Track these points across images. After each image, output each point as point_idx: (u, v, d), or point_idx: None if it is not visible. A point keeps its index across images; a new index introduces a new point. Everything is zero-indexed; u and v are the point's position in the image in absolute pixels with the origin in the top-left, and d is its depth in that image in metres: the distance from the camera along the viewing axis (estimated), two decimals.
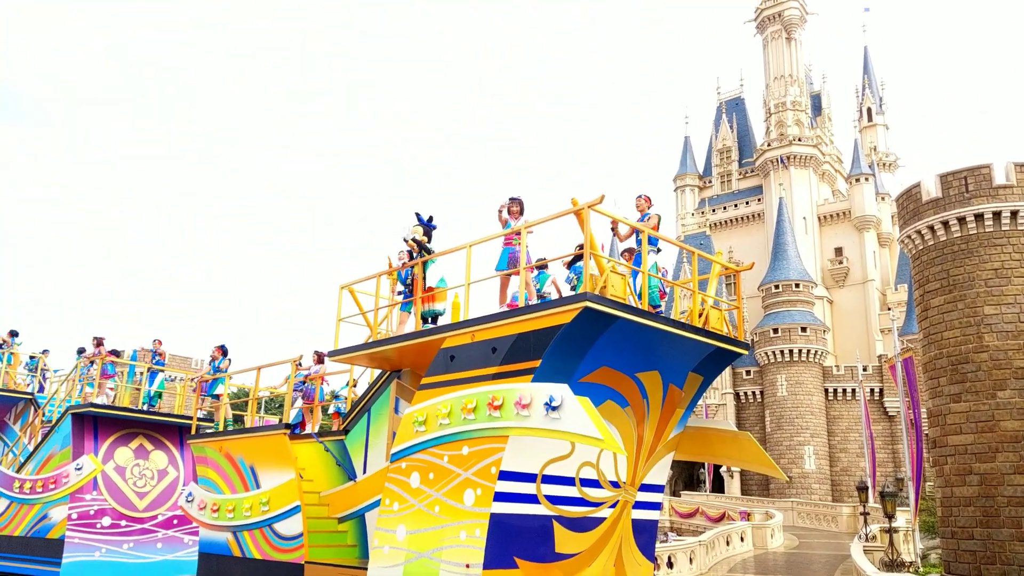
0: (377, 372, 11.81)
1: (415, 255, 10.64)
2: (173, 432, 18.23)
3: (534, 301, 9.76)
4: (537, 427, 8.02)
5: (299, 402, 13.00)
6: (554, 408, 7.82)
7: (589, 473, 9.10)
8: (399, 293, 10.90)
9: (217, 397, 14.13)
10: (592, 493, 9.16)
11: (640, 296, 9.09)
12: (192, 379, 16.74)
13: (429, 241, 10.80)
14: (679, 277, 61.50)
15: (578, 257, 9.84)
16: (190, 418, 17.17)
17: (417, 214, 10.82)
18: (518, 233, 9.69)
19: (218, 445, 12.94)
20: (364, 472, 10.83)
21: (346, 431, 11.27)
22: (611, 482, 9.33)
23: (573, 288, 10.07)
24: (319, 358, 13.34)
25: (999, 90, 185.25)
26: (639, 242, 9.79)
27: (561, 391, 7.83)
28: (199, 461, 13.59)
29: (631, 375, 9.15)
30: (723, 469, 58.17)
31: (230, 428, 13.90)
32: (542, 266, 10.63)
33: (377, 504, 10.16)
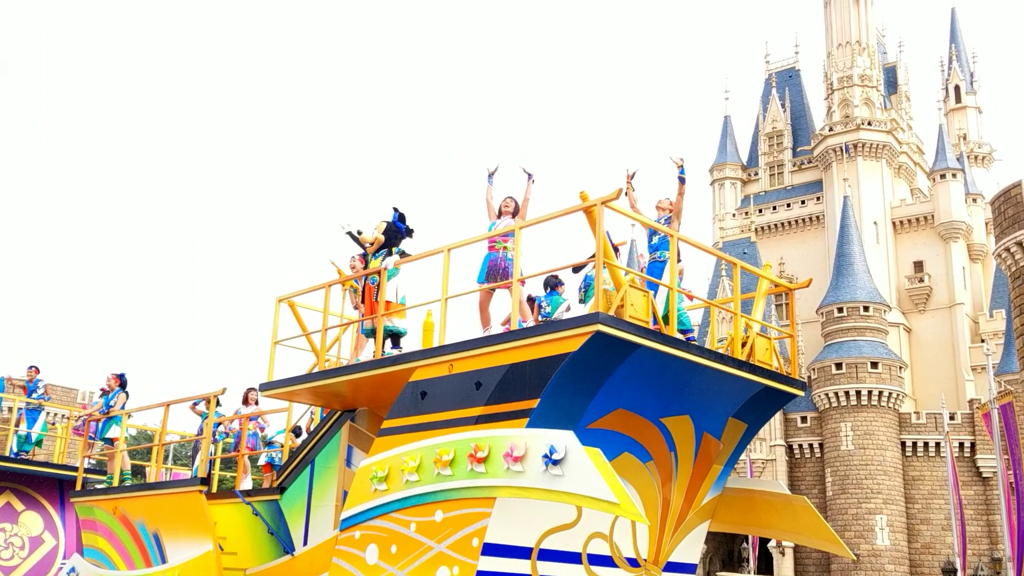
0: (324, 412, 11.73)
1: (368, 256, 10.61)
2: (51, 487, 18.01)
3: (529, 324, 9.70)
4: (533, 486, 7.96)
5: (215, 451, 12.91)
6: (555, 462, 7.76)
7: (600, 548, 9.05)
8: (355, 308, 10.85)
9: (111, 442, 13.99)
10: (603, 574, 9.10)
11: (667, 319, 9.05)
12: (78, 418, 16.57)
13: (393, 245, 10.75)
14: (716, 295, 61.72)
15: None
16: (74, 469, 16.97)
17: (394, 208, 10.79)
18: (506, 236, 9.65)
19: (111, 505, 12.80)
20: (304, 543, 10.75)
21: (282, 489, 11.19)
22: (628, 560, 9.27)
23: (581, 301, 10.02)
24: (245, 398, 13.26)
25: None
26: (658, 247, 9.79)
27: (565, 440, 7.78)
28: (85, 526, 13.43)
29: (655, 421, 9.12)
30: (772, 544, 58.09)
31: (127, 483, 13.77)
32: (554, 285, 10.43)
33: None
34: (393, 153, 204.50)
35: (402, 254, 10.82)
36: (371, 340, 10.79)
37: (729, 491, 10.29)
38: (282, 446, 12.74)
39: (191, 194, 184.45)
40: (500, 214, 10.15)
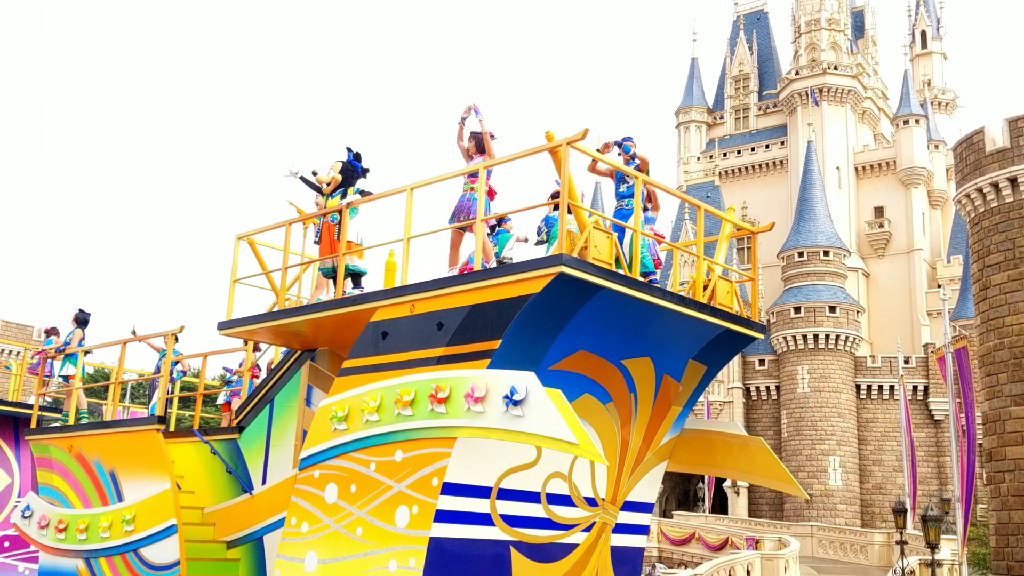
0: (283, 351, 11.68)
1: (322, 195, 10.50)
2: (6, 426, 17.88)
3: (492, 264, 9.68)
4: (493, 427, 8.02)
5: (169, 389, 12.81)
6: (516, 403, 7.81)
7: (559, 487, 9.17)
8: (315, 243, 10.75)
9: (68, 379, 13.84)
10: (562, 513, 9.23)
11: (630, 261, 9.07)
12: (33, 355, 16.37)
13: (350, 184, 10.62)
14: (679, 238, 62.09)
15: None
16: (29, 407, 16.84)
17: (348, 148, 10.63)
18: (474, 176, 9.58)
19: (67, 443, 12.75)
20: (263, 482, 10.78)
21: (240, 428, 11.20)
22: (586, 499, 9.41)
23: (543, 243, 10.00)
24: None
25: None
26: (625, 195, 9.79)
27: (526, 381, 7.82)
28: (41, 464, 13.39)
29: (615, 362, 9.20)
30: (727, 484, 59.45)
31: (84, 421, 13.69)
32: (499, 222, 10.51)
33: (279, 524, 10.12)
34: (362, 95, 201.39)
35: (361, 193, 10.70)
36: (331, 280, 10.72)
37: (687, 432, 10.46)
38: (242, 385, 12.71)
39: (154, 131, 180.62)
40: (469, 153, 10.06)
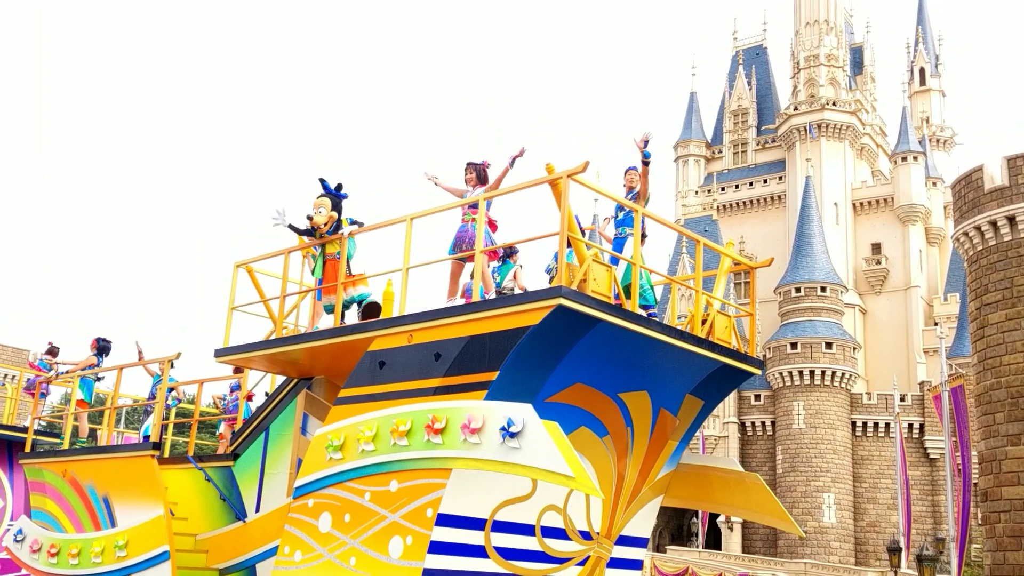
0: (280, 380, 11.71)
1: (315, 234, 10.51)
2: (0, 449, 17.81)
3: (492, 295, 9.75)
4: (489, 459, 8.03)
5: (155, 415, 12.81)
6: (513, 435, 7.83)
7: (554, 520, 9.17)
8: (315, 278, 10.80)
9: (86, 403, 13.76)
10: (556, 546, 9.23)
11: (628, 294, 9.14)
12: (28, 379, 16.37)
13: (339, 215, 10.66)
14: (676, 272, 62.26)
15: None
16: (24, 430, 16.80)
17: (322, 180, 10.65)
18: (474, 206, 9.67)
19: (61, 468, 12.73)
20: (257, 510, 10.76)
21: (235, 456, 11.19)
22: (581, 533, 9.40)
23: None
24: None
25: None
26: (623, 223, 9.87)
27: (523, 413, 7.85)
28: (34, 488, 13.34)
29: (613, 396, 9.23)
30: (721, 519, 59.17)
31: (79, 446, 13.67)
32: (507, 253, 10.58)
33: (273, 553, 10.10)
34: (356, 126, 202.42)
35: (354, 222, 10.73)
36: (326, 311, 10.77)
37: (683, 467, 10.47)
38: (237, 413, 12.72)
39: (153, 158, 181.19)
40: (466, 183, 10.15)
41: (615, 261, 9.49)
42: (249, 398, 13.44)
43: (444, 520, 8.49)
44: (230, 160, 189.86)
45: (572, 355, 8.66)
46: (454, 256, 9.65)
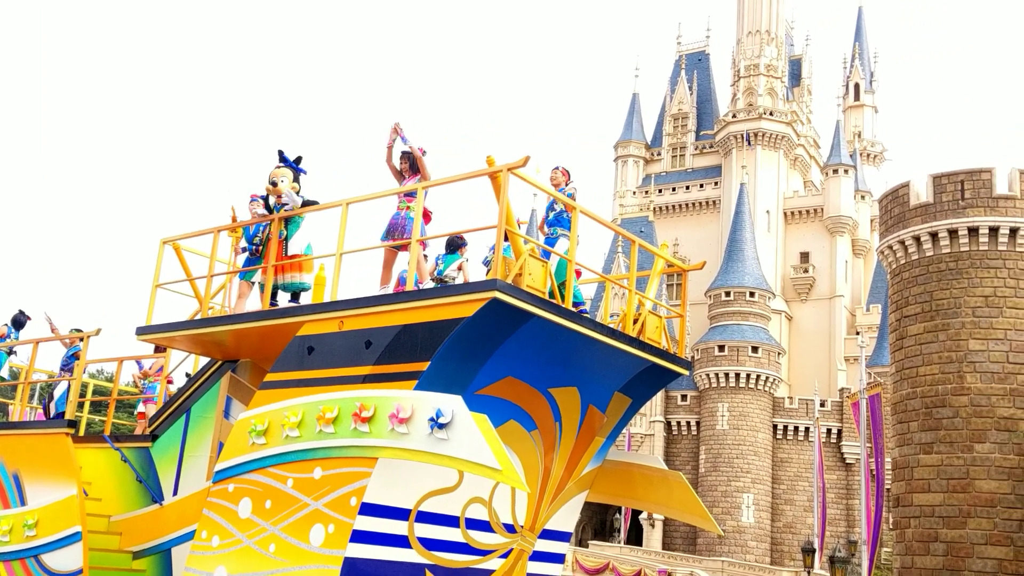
0: (204, 361, 11.46)
1: (274, 207, 10.32)
2: None
3: (426, 284, 9.66)
4: (417, 449, 7.97)
5: (61, 388, 12.46)
6: (441, 426, 7.78)
7: (478, 512, 9.15)
8: (244, 250, 10.56)
9: None
10: (480, 538, 9.21)
11: (562, 292, 9.15)
12: None
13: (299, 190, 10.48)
14: (611, 271, 62.75)
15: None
16: None
17: (280, 152, 10.49)
18: (411, 195, 9.57)
19: None
20: (175, 493, 10.56)
21: (154, 437, 10.95)
22: (505, 525, 9.40)
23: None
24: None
25: (1013, 86, 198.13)
26: (555, 222, 9.88)
27: (452, 404, 7.80)
28: None
29: (543, 391, 9.24)
30: (643, 516, 59.94)
31: None
32: (456, 244, 10.39)
33: (189, 537, 9.93)
34: (305, 105, 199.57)
35: (307, 202, 10.54)
36: (255, 288, 10.57)
37: (608, 463, 10.54)
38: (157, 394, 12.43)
39: (91, 125, 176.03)
40: (402, 172, 10.04)
41: (547, 255, 9.47)
42: (169, 381, 13.16)
43: (368, 509, 8.40)
44: (217, 143, 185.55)
45: (504, 348, 8.63)
46: (389, 243, 9.54)
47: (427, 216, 9.72)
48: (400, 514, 8.64)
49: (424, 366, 8.39)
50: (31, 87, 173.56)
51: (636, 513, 58.83)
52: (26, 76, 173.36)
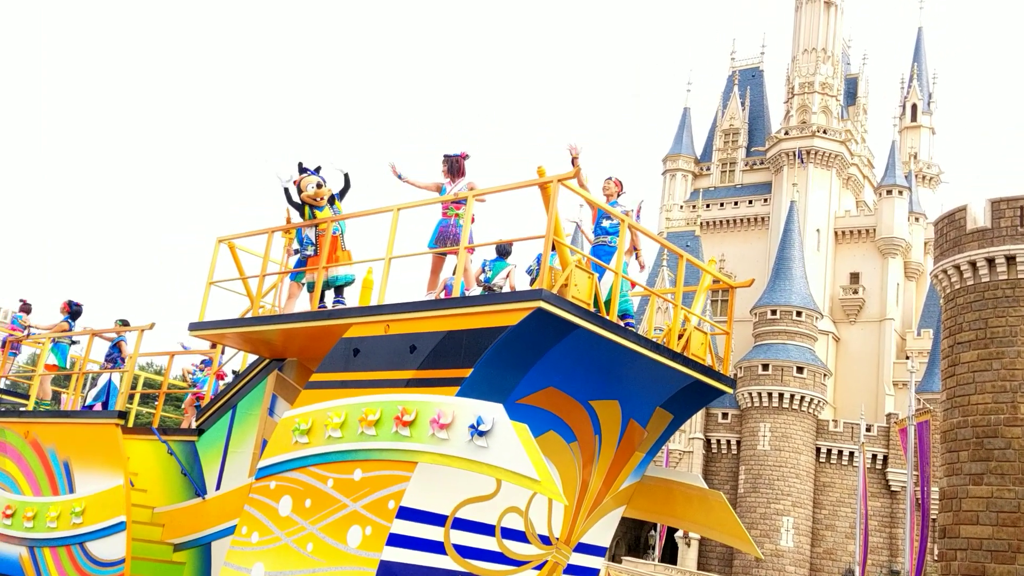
0: (252, 359, 11.64)
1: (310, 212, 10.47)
2: None
3: (473, 291, 9.73)
4: (456, 455, 8.02)
5: (103, 380, 12.66)
6: (481, 433, 7.82)
7: (514, 522, 9.16)
8: (295, 252, 10.73)
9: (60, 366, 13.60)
10: (515, 548, 9.21)
11: (608, 304, 9.15)
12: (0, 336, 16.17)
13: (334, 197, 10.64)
14: (655, 285, 62.43)
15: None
16: None
17: (300, 164, 10.60)
18: (459, 203, 9.65)
19: (24, 429, 12.61)
20: (218, 488, 10.69)
21: (200, 431, 11.10)
22: (541, 537, 9.40)
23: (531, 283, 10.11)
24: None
25: None
26: (607, 231, 9.89)
27: (493, 412, 7.84)
28: None
29: (584, 403, 9.24)
30: (679, 535, 59.37)
31: (44, 409, 13.54)
32: (505, 251, 10.50)
33: (230, 532, 10.04)
34: (348, 122, 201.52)
35: (331, 200, 10.70)
36: (303, 291, 10.72)
37: (648, 479, 10.49)
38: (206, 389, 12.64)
39: (142, 127, 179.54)
40: (454, 174, 10.09)
41: (596, 267, 9.50)
42: (220, 377, 13.36)
43: (405, 513, 8.46)
44: (224, 137, 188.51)
45: (547, 359, 8.65)
46: (439, 250, 9.63)
47: (472, 218, 9.79)
48: (437, 520, 8.69)
49: (467, 372, 8.44)
50: (66, 90, 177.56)
51: (671, 531, 58.28)
52: (64, 81, 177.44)
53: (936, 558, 28.58)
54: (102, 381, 12.67)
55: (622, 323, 9.36)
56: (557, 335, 8.47)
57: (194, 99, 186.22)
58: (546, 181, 8.59)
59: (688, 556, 59.64)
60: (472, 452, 7.90)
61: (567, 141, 9.74)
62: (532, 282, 10.42)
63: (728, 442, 62.47)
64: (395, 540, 8.42)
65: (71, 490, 11.47)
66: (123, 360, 13.88)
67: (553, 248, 8.59)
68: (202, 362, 14.08)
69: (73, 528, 11.05)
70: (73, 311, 14.49)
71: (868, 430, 59.34)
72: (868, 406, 64.36)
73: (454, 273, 9.85)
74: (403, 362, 8.95)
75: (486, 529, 9.00)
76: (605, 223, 9.90)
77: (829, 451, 61.02)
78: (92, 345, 12.64)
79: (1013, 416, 26.29)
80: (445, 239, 9.70)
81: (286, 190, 10.53)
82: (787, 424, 59.87)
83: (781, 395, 59.96)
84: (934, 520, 31.64)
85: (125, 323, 13.71)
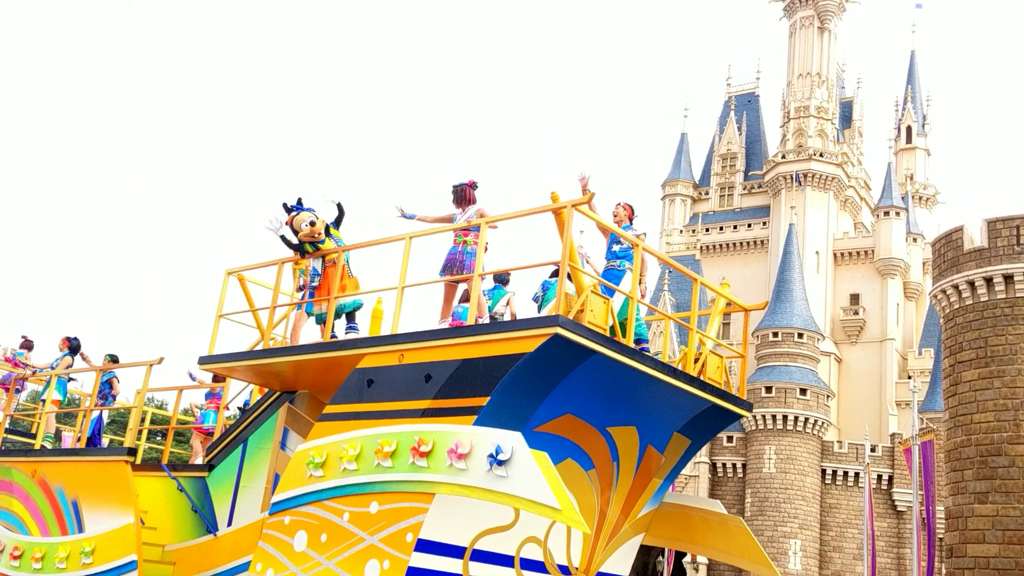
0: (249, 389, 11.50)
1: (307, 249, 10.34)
2: None
3: (485, 320, 9.61)
4: (475, 485, 7.85)
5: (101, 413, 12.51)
6: (500, 463, 7.66)
7: (533, 552, 9.00)
8: (299, 289, 10.62)
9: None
10: None
11: (624, 329, 9.03)
12: (3, 375, 16.02)
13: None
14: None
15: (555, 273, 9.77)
16: None
17: (285, 204, 10.46)
18: (467, 231, 9.57)
19: (31, 468, 12.41)
20: (229, 524, 10.51)
21: (210, 467, 10.93)
22: (560, 567, 9.23)
23: (539, 309, 10.01)
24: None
25: None
26: (617, 255, 9.80)
27: (512, 441, 7.69)
28: (1, 487, 13.00)
29: (601, 429, 9.10)
30: (687, 559, 58.86)
31: (50, 447, 13.35)
32: (502, 279, 10.49)
33: (242, 569, 9.89)
34: (348, 137, 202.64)
35: (327, 230, 10.58)
36: (310, 322, 10.61)
37: (666, 506, 10.32)
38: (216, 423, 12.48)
39: (145, 159, 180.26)
40: (462, 203, 10.00)
41: (609, 292, 9.38)
42: (216, 408, 13.23)
43: (424, 546, 8.29)
44: (226, 167, 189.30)
45: (564, 385, 8.53)
46: (450, 278, 9.53)
47: (485, 248, 9.69)
48: (456, 552, 8.52)
49: (484, 401, 8.30)
50: (67, 106, 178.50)
51: (679, 556, 57.73)
52: (72, 100, 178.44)
53: None
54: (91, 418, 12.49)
55: (638, 348, 9.23)
56: (574, 361, 8.35)
57: (194, 128, 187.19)
58: (560, 207, 8.50)
59: None
60: (491, 482, 7.74)
61: (577, 171, 9.68)
62: (540, 309, 10.31)
63: (734, 465, 62.09)
64: (414, 574, 8.24)
65: (80, 529, 11.28)
66: (114, 397, 13.76)
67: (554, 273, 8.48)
68: (205, 396, 13.94)
69: (83, 568, 10.84)
70: (72, 346, 14.36)
71: (872, 450, 59.06)
72: (872, 426, 64.06)
73: (464, 300, 9.75)
74: (418, 392, 8.81)
75: (505, 560, 8.83)
76: (616, 247, 9.79)
77: (834, 472, 60.64)
78: (98, 382, 12.46)
79: (1016, 434, 26.15)
80: (452, 267, 9.60)
81: (282, 237, 10.41)
82: (792, 446, 59.55)
83: (785, 417, 59.66)
84: (941, 539, 31.33)
85: (115, 359, 13.59)
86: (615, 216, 10.01)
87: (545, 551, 9.10)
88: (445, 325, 9.58)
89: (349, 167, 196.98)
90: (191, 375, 14.12)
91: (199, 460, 13.27)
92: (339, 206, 10.59)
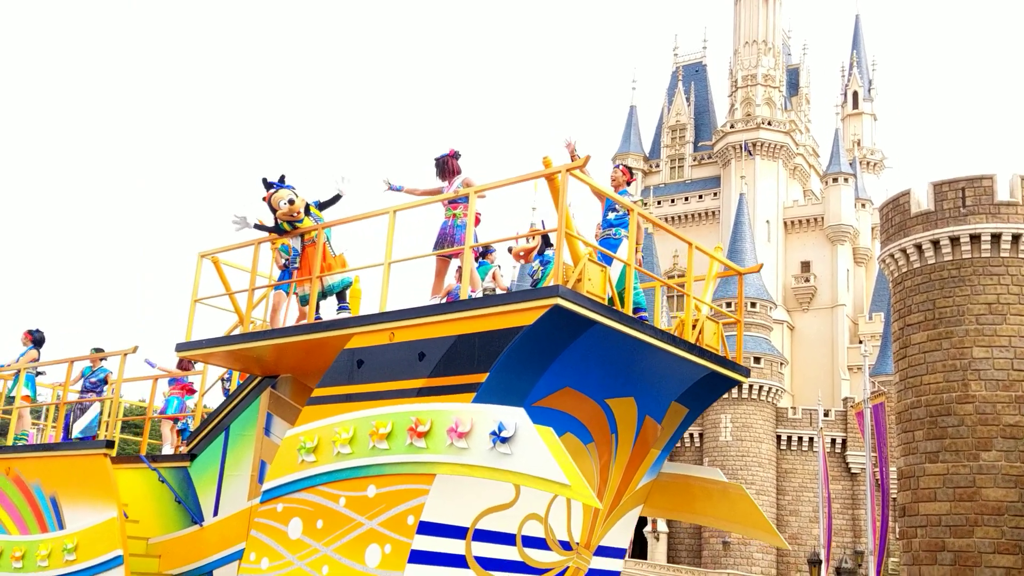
0: (241, 378, 11.14)
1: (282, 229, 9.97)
2: None
3: (479, 295, 9.36)
4: (477, 464, 7.63)
5: (92, 411, 12.13)
6: (504, 440, 7.43)
7: (535, 529, 8.84)
8: (283, 267, 10.25)
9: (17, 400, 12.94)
10: (536, 556, 8.91)
11: (622, 297, 8.85)
12: None
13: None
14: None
15: (547, 244, 9.55)
16: None
17: (265, 179, 10.08)
18: (454, 202, 9.30)
19: (5, 466, 11.96)
20: (215, 514, 10.20)
21: (192, 456, 10.59)
22: (561, 543, 9.09)
23: (535, 284, 9.78)
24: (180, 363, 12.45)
25: (1013, 92, 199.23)
26: (612, 223, 9.60)
27: (515, 417, 7.46)
28: None
29: (600, 401, 8.94)
30: (647, 529, 59.48)
31: (24, 443, 12.85)
32: (483, 253, 10.26)
33: (231, 559, 9.65)
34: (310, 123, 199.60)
35: (320, 206, 10.26)
36: (290, 301, 10.26)
37: (664, 476, 10.21)
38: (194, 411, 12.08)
39: (118, 143, 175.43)
40: (446, 175, 9.70)
41: (606, 260, 9.18)
42: (189, 391, 12.86)
43: (426, 528, 8.06)
44: (205, 150, 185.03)
45: (563, 358, 8.33)
46: (441, 252, 9.24)
47: (476, 220, 9.42)
48: (458, 533, 8.32)
49: (482, 377, 8.06)
50: (53, 97, 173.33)
51: (640, 526, 58.37)
52: (53, 90, 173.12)
53: (898, 536, 28.95)
54: (91, 413, 12.02)
55: (636, 316, 9.05)
56: (574, 332, 8.14)
57: (177, 113, 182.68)
58: (554, 172, 8.24)
59: (658, 550, 59.82)
60: (495, 460, 7.52)
61: (564, 137, 9.43)
62: (535, 283, 10.09)
63: (691, 435, 62.78)
64: (417, 557, 8.02)
65: (61, 526, 10.87)
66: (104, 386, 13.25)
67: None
68: (169, 382, 13.52)
69: (67, 566, 10.45)
70: (36, 339, 13.79)
71: (826, 415, 60.08)
72: (825, 392, 65.24)
73: (457, 275, 9.48)
74: (412, 371, 8.53)
75: (507, 539, 8.65)
76: (611, 215, 9.57)
77: (789, 438, 61.68)
78: (71, 375, 11.95)
79: (964, 394, 26.69)
80: (444, 242, 9.32)
81: (256, 226, 9.99)
82: (747, 414, 60.41)
83: (740, 386, 60.36)
84: (894, 499, 31.97)
85: (99, 350, 13.10)
86: (613, 180, 9.78)
87: (546, 527, 8.94)
88: (436, 301, 9.30)
89: (325, 145, 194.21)
90: (148, 362, 13.66)
91: (167, 447, 12.91)
92: (337, 197, 10.21)
